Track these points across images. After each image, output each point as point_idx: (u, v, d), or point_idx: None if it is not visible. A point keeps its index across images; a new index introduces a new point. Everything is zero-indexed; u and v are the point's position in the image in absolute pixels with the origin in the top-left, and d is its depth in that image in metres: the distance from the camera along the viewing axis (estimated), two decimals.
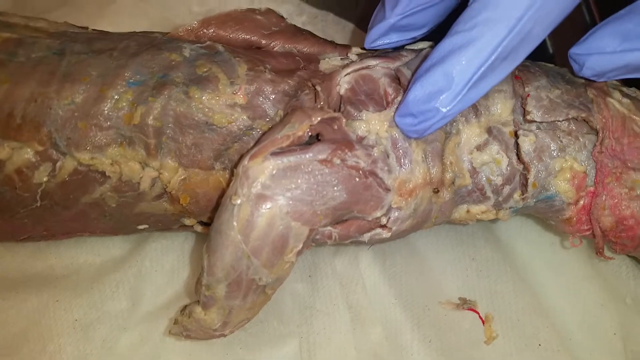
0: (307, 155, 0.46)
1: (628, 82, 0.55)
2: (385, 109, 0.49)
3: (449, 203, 0.51)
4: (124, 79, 0.49)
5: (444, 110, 0.44)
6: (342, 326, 0.56)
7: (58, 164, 0.49)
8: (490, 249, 0.61)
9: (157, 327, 0.56)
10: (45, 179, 0.49)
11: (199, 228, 0.55)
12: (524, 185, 0.51)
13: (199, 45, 0.52)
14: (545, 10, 0.41)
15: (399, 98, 0.49)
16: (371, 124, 0.48)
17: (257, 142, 0.48)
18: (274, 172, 0.45)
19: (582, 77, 0.52)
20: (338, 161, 0.46)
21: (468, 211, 0.53)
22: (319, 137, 0.48)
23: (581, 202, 0.51)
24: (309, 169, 0.46)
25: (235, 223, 0.45)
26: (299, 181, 0.45)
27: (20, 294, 0.56)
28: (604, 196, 0.50)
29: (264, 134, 0.49)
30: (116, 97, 0.48)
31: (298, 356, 0.55)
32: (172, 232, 0.60)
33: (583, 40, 0.49)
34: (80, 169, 0.49)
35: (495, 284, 0.59)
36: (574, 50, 0.49)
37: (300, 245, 0.47)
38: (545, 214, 0.54)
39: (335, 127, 0.48)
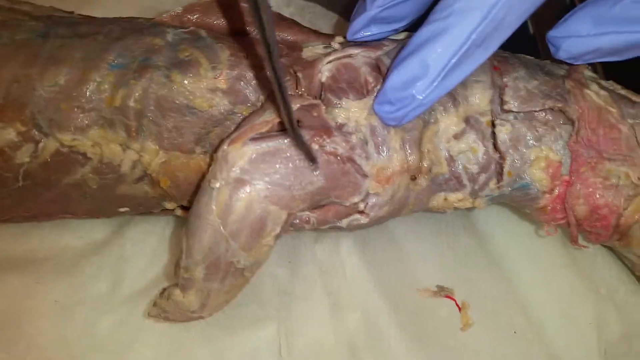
0: (286, 141, 0.46)
1: (606, 76, 0.56)
2: (365, 97, 0.50)
3: (426, 190, 0.52)
4: (107, 62, 0.49)
5: (420, 97, 0.45)
6: (320, 311, 0.57)
7: (40, 144, 0.49)
8: (468, 237, 0.62)
9: (137, 309, 0.56)
10: (27, 159, 0.50)
11: (179, 212, 0.56)
12: (500, 174, 0.52)
13: (182, 30, 0.53)
14: None
15: (379, 86, 0.49)
16: (351, 112, 0.49)
17: (237, 127, 0.49)
18: (253, 156, 0.46)
19: (561, 66, 0.54)
20: (316, 147, 0.47)
21: (445, 199, 0.53)
22: (299, 124, 0.48)
23: (556, 191, 0.52)
24: (288, 154, 0.46)
25: (214, 206, 0.46)
26: (278, 166, 0.46)
27: (0, 275, 0.57)
28: (578, 185, 0.51)
29: (244, 119, 0.50)
30: (99, 79, 0.49)
31: (276, 340, 0.56)
32: (153, 217, 0.60)
33: (560, 23, 0.49)
34: (62, 150, 0.50)
35: (473, 273, 0.60)
36: (552, 33, 0.50)
37: (278, 229, 0.47)
38: (520, 203, 0.54)
39: (315, 114, 0.48)
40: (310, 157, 0.46)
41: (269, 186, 0.46)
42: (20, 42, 0.50)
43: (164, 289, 0.52)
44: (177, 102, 0.49)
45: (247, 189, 0.46)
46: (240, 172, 0.45)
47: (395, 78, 0.46)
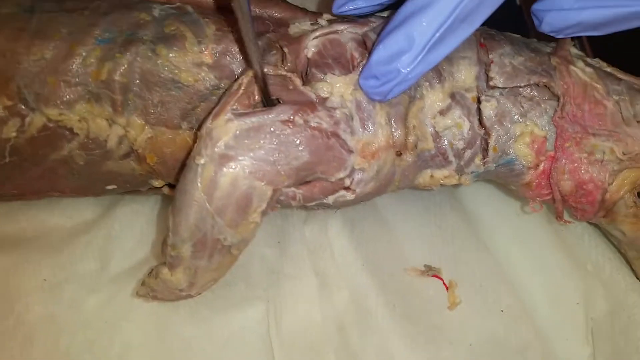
0: (270, 116, 0.47)
1: (593, 53, 0.57)
2: (351, 72, 0.50)
3: (412, 166, 0.52)
4: (93, 36, 0.50)
5: (405, 71, 0.45)
6: (309, 291, 0.57)
7: (27, 119, 0.50)
8: (456, 217, 0.62)
9: (125, 288, 0.57)
10: (14, 134, 0.50)
11: (166, 190, 0.56)
12: (485, 150, 0.52)
13: (168, 6, 0.53)
14: None
15: (365, 62, 0.49)
16: (335, 87, 0.49)
17: (217, 102, 0.49)
18: (237, 132, 0.46)
19: (547, 44, 0.54)
20: (301, 121, 0.47)
21: (432, 176, 0.54)
22: (278, 101, 0.48)
23: (541, 167, 0.52)
24: (272, 130, 0.46)
25: (199, 183, 0.46)
26: (262, 141, 0.46)
27: None
28: (563, 160, 0.51)
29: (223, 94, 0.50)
30: (84, 54, 0.49)
31: (265, 319, 0.56)
32: (142, 197, 0.61)
33: None
34: (49, 125, 0.50)
35: (460, 252, 0.60)
36: (536, 6, 0.50)
37: (264, 205, 0.48)
38: (506, 179, 0.55)
39: (290, 87, 0.49)
40: (268, 99, 0.47)
41: (254, 162, 0.46)
42: (6, 15, 0.50)
43: (152, 268, 0.52)
44: (162, 75, 0.50)
45: (232, 164, 0.46)
46: (224, 148, 0.46)
47: (381, 52, 0.46)
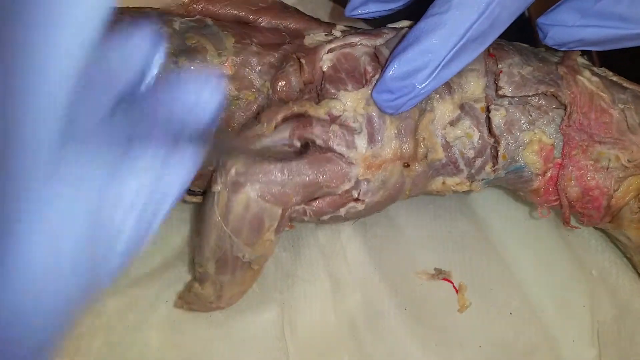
0: (269, 139, 0.49)
1: (600, 63, 0.58)
2: (364, 86, 0.51)
3: (422, 176, 0.53)
4: None
5: (420, 87, 0.47)
6: (322, 293, 0.59)
7: None
8: (466, 222, 0.63)
9: (144, 292, 0.58)
10: None
11: (186, 197, 0.57)
12: (495, 157, 0.54)
13: (188, 18, 0.54)
14: None
15: (377, 76, 0.51)
16: (347, 103, 0.51)
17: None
18: (245, 159, 0.49)
19: (555, 53, 0.56)
20: (296, 140, 0.50)
21: (444, 183, 0.55)
22: None
23: (549, 173, 0.53)
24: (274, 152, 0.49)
25: (216, 208, 0.49)
26: (267, 165, 0.49)
27: None
28: (570, 167, 0.52)
29: (241, 129, 0.52)
30: None
31: (280, 321, 0.57)
32: None
33: (550, 11, 0.51)
34: None
35: (470, 256, 0.61)
36: (541, 20, 0.52)
37: (276, 224, 0.50)
38: (515, 185, 0.56)
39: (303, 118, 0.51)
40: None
41: (262, 185, 0.49)
42: None
43: (188, 282, 0.56)
44: None
45: (243, 190, 0.49)
46: (235, 175, 0.49)
47: (396, 68, 0.47)
